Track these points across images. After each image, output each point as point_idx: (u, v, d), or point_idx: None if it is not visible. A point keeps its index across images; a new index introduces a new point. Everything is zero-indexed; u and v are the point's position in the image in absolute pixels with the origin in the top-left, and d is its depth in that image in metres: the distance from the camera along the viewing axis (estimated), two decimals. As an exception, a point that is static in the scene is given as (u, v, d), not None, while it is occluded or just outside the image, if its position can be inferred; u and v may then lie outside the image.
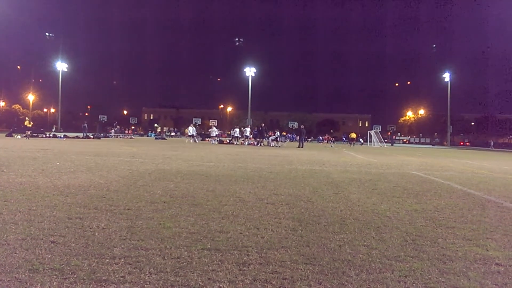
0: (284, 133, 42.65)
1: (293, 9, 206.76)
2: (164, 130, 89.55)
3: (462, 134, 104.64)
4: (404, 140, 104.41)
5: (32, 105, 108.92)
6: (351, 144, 55.09)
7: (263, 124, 42.66)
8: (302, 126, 42.35)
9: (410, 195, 8.42)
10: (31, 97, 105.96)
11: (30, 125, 38.10)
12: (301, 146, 37.50)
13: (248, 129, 41.98)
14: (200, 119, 71.32)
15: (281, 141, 47.17)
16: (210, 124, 64.68)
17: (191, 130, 44.11)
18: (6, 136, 39.30)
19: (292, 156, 21.92)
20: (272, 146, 37.69)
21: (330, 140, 58.67)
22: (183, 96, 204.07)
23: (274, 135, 42.14)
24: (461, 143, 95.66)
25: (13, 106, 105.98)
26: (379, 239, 4.77)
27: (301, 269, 3.66)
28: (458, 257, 4.21)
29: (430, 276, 3.63)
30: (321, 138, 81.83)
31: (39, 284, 3.12)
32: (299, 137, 39.77)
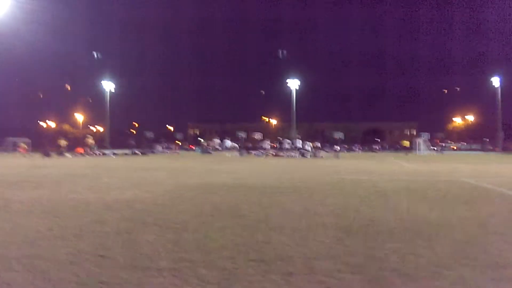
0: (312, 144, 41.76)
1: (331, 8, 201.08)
2: (210, 145, 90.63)
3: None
4: (453, 147, 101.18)
5: (82, 124, 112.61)
6: (403, 152, 54.04)
7: (299, 136, 43.16)
8: (339, 137, 42.15)
9: (460, 202, 8.11)
10: (80, 117, 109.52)
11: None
12: (337, 156, 37.27)
13: (300, 141, 41.25)
14: (245, 133, 71.60)
15: (325, 151, 46.76)
16: (256, 137, 65.08)
17: (228, 143, 43.58)
18: (58, 155, 40.62)
19: (339, 166, 21.67)
20: (300, 157, 37.38)
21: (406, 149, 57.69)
22: (227, 110, 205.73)
23: (314, 145, 41.75)
24: None
25: (62, 126, 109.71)
26: (428, 247, 4.59)
27: (347, 279, 3.56)
28: (510, 264, 4.01)
29: (480, 284, 3.48)
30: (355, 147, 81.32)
31: (88, 296, 3.17)
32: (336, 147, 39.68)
